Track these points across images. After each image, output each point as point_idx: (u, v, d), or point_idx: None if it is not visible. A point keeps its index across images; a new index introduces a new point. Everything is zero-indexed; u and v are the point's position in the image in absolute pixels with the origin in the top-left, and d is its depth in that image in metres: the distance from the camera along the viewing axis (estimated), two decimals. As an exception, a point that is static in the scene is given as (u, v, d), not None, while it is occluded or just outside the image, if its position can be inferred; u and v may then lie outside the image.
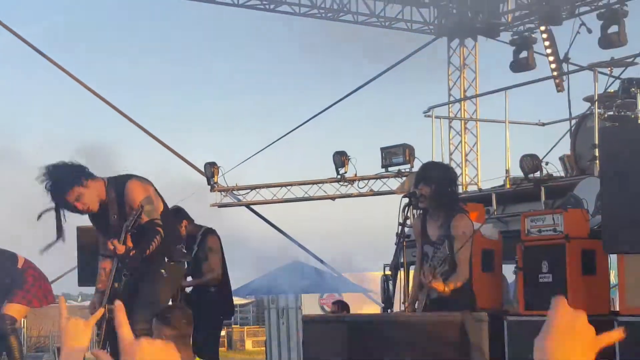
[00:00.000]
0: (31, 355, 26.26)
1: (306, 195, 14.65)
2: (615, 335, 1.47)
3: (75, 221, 8.83)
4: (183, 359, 4.28)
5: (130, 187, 5.83)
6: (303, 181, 14.91)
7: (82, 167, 5.90)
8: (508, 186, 11.00)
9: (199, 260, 8.54)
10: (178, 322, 4.32)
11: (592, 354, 1.41)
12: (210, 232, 8.63)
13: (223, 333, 32.22)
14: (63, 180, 5.75)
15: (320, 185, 14.67)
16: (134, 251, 5.65)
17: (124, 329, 1.62)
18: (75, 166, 5.87)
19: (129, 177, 5.97)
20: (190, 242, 8.60)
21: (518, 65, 14.94)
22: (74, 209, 5.82)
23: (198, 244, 8.56)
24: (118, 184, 5.91)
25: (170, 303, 5.98)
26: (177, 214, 8.77)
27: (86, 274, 9.53)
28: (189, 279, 8.54)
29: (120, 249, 5.60)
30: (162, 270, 5.82)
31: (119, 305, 1.68)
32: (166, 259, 5.91)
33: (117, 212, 5.87)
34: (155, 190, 6.00)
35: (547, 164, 10.55)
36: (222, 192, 15.23)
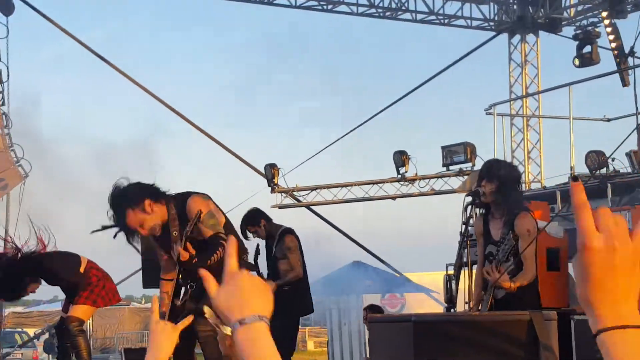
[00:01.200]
0: (97, 356, 26.66)
1: (366, 196, 14.60)
2: None
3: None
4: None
5: (191, 203, 5.86)
6: (363, 181, 14.86)
7: (146, 191, 5.88)
8: (573, 183, 10.81)
9: (276, 260, 8.58)
10: None
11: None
12: (288, 231, 8.68)
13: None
14: (125, 208, 5.78)
15: (380, 185, 14.61)
16: (195, 259, 5.66)
17: (231, 260, 1.63)
18: (139, 190, 5.87)
19: (190, 194, 6.01)
20: (270, 242, 8.70)
21: (582, 60, 14.69)
22: (138, 234, 5.88)
23: (276, 244, 8.60)
24: (178, 202, 5.94)
25: None
26: (256, 214, 8.84)
27: (150, 276, 9.61)
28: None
29: (184, 255, 5.62)
30: None
31: (232, 240, 1.70)
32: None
33: (178, 229, 5.89)
34: (216, 205, 6.04)
35: (613, 160, 10.36)
36: (283, 194, 15.26)
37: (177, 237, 5.85)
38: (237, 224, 6.90)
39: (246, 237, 8.67)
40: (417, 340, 4.05)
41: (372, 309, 11.15)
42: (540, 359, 3.92)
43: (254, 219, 8.79)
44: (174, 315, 5.85)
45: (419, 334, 4.08)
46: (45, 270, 7.70)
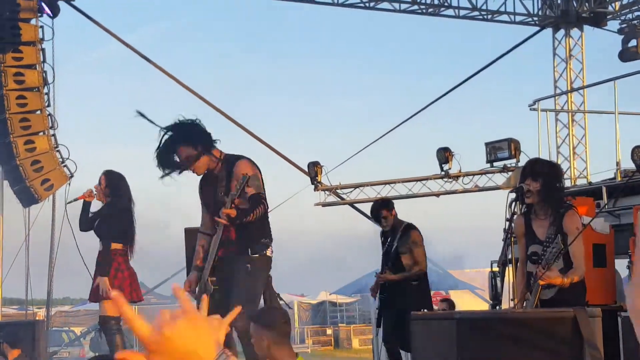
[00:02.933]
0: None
1: (410, 193, 14.55)
2: None
3: (183, 223, 9.03)
4: (284, 357, 4.28)
5: (239, 165, 6.01)
6: (407, 178, 14.80)
7: (204, 136, 6.14)
8: (619, 179, 10.67)
9: (399, 254, 8.64)
10: (277, 323, 4.29)
11: None
12: (412, 226, 8.76)
13: (329, 332, 32.41)
14: (180, 141, 6.06)
15: (424, 182, 14.55)
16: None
17: (136, 323, 1.44)
18: (199, 132, 6.12)
19: (240, 157, 6.18)
20: (390, 234, 8.77)
21: (627, 55, 14.49)
22: (177, 168, 6.13)
23: (399, 239, 8.63)
24: (229, 163, 6.11)
25: (264, 303, 6.02)
26: (388, 204, 8.92)
27: (195, 274, 9.69)
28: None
29: (232, 212, 5.74)
30: (247, 265, 5.91)
31: (117, 295, 1.49)
32: (250, 252, 6.00)
33: (225, 188, 6.04)
34: (261, 177, 6.16)
35: (660, 155, 10.20)
36: (326, 191, 15.28)
37: (223, 197, 5.95)
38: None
39: (378, 220, 8.76)
40: (461, 338, 4.03)
41: (448, 302, 11.19)
42: (584, 356, 3.88)
43: (390, 204, 8.94)
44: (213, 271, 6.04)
45: (463, 332, 4.06)
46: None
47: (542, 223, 5.86)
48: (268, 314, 4.42)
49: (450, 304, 11.36)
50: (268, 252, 6.22)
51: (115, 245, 7.99)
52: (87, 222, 8.22)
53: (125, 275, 7.94)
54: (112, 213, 8.03)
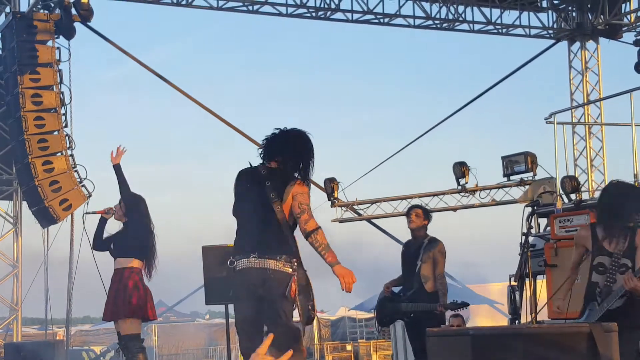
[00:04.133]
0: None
1: (427, 207, 14.53)
2: None
3: (201, 241, 9.06)
4: None
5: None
6: (423, 193, 14.80)
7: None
8: (637, 191, 10.61)
9: (419, 262, 8.70)
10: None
11: None
12: (438, 240, 8.81)
13: (349, 348, 32.35)
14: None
15: (441, 196, 14.54)
16: None
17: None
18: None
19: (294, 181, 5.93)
20: (413, 242, 8.86)
21: (643, 66, 14.44)
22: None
23: (424, 248, 8.71)
24: None
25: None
26: (425, 210, 9.11)
27: (212, 292, 9.71)
28: None
29: None
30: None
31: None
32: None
33: None
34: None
35: (677, 166, 10.13)
36: (343, 207, 15.28)
37: None
38: None
39: (409, 214, 8.89)
40: (476, 354, 4.01)
41: (460, 317, 11.19)
42: (601, 371, 3.87)
43: (428, 213, 9.07)
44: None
45: (478, 348, 4.04)
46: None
47: (611, 235, 5.93)
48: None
49: (462, 319, 11.36)
50: None
51: (133, 263, 8.03)
52: (101, 239, 8.29)
53: (141, 293, 7.98)
54: (130, 231, 8.08)
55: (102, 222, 8.29)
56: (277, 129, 5.89)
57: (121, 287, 7.95)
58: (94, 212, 8.41)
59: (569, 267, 6.41)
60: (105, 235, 8.31)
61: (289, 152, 5.84)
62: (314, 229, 5.71)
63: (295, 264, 5.70)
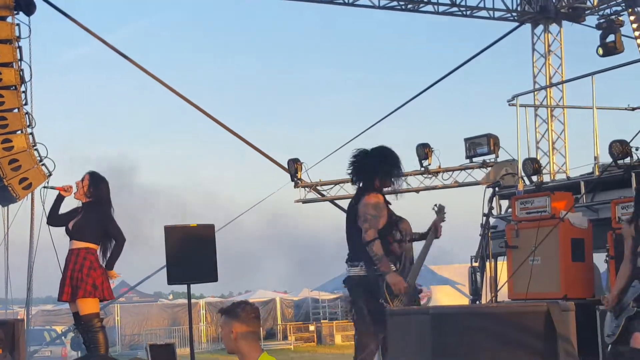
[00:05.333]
0: (126, 353, 26.85)
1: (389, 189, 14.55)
2: None
3: (163, 221, 9.02)
4: (251, 352, 4.28)
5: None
6: (386, 174, 14.79)
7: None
8: (597, 173, 10.71)
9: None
10: (247, 317, 4.32)
11: None
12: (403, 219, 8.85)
13: (312, 328, 32.45)
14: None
15: (403, 178, 14.56)
16: None
17: None
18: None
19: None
20: None
21: (605, 49, 14.54)
22: None
23: None
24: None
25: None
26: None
27: (175, 272, 9.67)
28: None
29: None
30: None
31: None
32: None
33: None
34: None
35: (637, 149, 10.24)
36: (306, 188, 15.27)
37: None
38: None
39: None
40: (435, 333, 4.04)
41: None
42: (558, 350, 3.90)
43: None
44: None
45: (437, 327, 4.07)
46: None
47: None
48: (240, 307, 4.43)
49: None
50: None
51: (90, 245, 7.97)
52: (57, 215, 8.22)
53: (99, 273, 7.93)
54: (91, 218, 8.00)
55: (60, 199, 8.22)
56: (356, 149, 7.15)
57: (77, 268, 7.88)
58: (53, 187, 8.33)
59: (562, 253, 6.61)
60: (62, 212, 8.23)
61: (361, 172, 7.08)
62: (370, 240, 6.63)
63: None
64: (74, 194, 8.18)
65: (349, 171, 7.15)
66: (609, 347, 6.18)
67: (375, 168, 7.09)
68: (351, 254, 6.86)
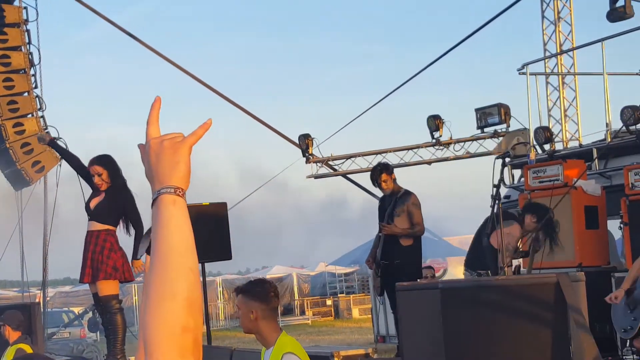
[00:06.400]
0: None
1: (402, 162, 14.52)
2: None
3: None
4: (270, 332, 4.27)
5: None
6: (398, 147, 14.77)
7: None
8: (609, 140, 10.64)
9: (393, 216, 8.84)
10: (267, 296, 4.26)
11: None
12: (410, 192, 8.94)
13: (329, 303, 32.53)
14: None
15: (415, 150, 14.52)
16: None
17: (152, 127, 1.64)
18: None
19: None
20: (388, 200, 8.95)
21: (615, 15, 14.36)
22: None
23: (396, 202, 8.83)
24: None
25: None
26: (388, 167, 9.19)
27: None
28: None
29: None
30: None
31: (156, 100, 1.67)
32: None
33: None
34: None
35: (649, 114, 10.16)
36: (318, 163, 15.25)
37: None
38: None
39: (375, 183, 9.00)
40: (445, 307, 4.02)
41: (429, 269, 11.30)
42: (568, 320, 3.87)
43: (389, 167, 9.13)
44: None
45: (447, 301, 4.05)
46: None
47: None
48: (258, 286, 4.36)
49: (433, 270, 11.49)
50: None
51: (110, 227, 7.97)
52: (70, 157, 8.44)
53: (119, 255, 7.94)
54: (115, 198, 7.96)
55: (56, 146, 8.47)
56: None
57: (97, 250, 7.89)
58: (44, 142, 8.59)
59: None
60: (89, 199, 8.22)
61: None
62: None
63: None
64: (98, 184, 8.06)
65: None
66: (627, 343, 6.10)
67: None
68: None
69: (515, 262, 7.68)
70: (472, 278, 6.27)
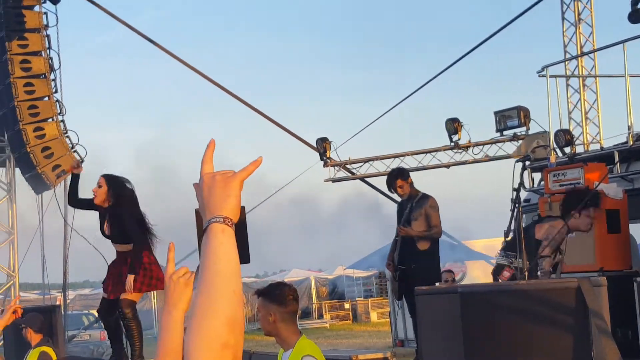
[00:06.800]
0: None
1: (420, 165, 14.47)
2: None
3: (194, 204, 8.98)
4: (290, 335, 4.27)
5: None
6: (416, 151, 14.73)
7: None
8: (631, 142, 10.56)
9: (411, 220, 8.83)
10: (286, 299, 4.28)
11: None
12: (428, 195, 8.92)
13: (347, 306, 32.50)
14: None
15: (434, 154, 14.47)
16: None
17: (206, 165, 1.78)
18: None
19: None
20: (406, 204, 8.91)
21: (636, 16, 14.26)
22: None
23: (414, 205, 8.81)
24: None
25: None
26: (403, 172, 9.23)
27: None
28: None
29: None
30: None
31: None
32: None
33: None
34: None
35: (671, 117, 10.08)
36: (336, 167, 15.23)
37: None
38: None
39: (391, 189, 8.96)
40: (465, 311, 3.99)
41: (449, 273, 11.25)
42: (589, 325, 3.83)
43: (405, 173, 9.11)
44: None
45: (467, 305, 4.03)
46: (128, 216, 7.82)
47: None
48: (277, 289, 4.38)
49: (452, 273, 11.45)
50: None
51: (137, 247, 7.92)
52: (76, 196, 8.17)
53: (147, 271, 7.91)
54: (117, 218, 7.89)
55: (75, 178, 8.20)
56: None
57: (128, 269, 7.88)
58: (65, 173, 8.35)
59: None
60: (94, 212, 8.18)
61: None
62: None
63: None
64: (95, 198, 8.06)
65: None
66: None
67: None
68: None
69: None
70: (491, 282, 6.23)
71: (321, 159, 15.10)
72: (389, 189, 9.06)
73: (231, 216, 1.73)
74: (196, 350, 1.60)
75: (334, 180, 15.30)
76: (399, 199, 9.28)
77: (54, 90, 13.64)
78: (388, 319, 20.03)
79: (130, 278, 7.79)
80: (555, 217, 7.26)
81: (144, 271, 7.92)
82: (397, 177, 8.95)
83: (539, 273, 6.41)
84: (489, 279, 18.42)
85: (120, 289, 7.89)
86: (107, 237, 8.06)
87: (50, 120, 13.61)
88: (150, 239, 8.01)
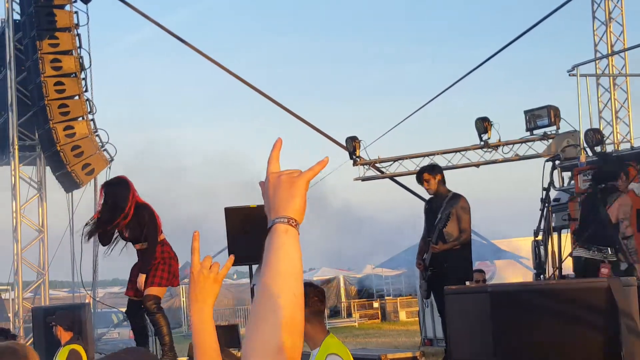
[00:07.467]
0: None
1: (449, 164, 14.43)
2: None
3: (223, 202, 9.01)
4: (317, 334, 4.28)
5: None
6: (446, 150, 14.70)
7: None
8: (662, 142, 10.46)
9: (442, 219, 8.74)
10: (311, 300, 4.28)
11: None
12: (459, 195, 8.84)
13: (376, 305, 32.43)
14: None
15: (463, 152, 14.42)
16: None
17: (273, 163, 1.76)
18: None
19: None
20: (435, 200, 8.89)
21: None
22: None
23: (445, 205, 8.71)
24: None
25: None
26: (438, 167, 9.26)
27: (236, 252, 9.72)
28: None
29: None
30: None
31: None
32: None
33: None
34: None
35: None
36: (365, 166, 15.23)
37: None
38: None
39: (420, 181, 8.95)
40: (495, 311, 3.98)
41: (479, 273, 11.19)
42: (620, 326, 3.81)
43: (435, 169, 9.06)
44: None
45: (496, 305, 4.01)
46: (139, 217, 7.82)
47: None
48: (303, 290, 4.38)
49: (483, 273, 11.39)
50: None
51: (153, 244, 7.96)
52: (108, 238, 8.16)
53: (167, 266, 7.97)
54: (134, 218, 7.91)
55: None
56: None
57: (160, 266, 7.93)
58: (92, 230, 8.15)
59: None
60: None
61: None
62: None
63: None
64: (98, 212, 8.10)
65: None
66: None
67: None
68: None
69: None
70: (521, 282, 6.17)
71: (351, 158, 15.11)
72: (417, 182, 9.04)
73: (296, 217, 1.70)
74: (252, 350, 1.59)
75: (364, 179, 15.30)
76: (427, 197, 9.24)
77: (84, 89, 13.75)
78: (417, 318, 19.99)
79: (142, 278, 7.85)
80: (616, 193, 7.22)
81: (163, 266, 7.98)
82: (426, 170, 8.95)
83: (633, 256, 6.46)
84: (517, 278, 18.38)
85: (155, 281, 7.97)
86: (128, 240, 8.09)
87: (80, 119, 13.71)
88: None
